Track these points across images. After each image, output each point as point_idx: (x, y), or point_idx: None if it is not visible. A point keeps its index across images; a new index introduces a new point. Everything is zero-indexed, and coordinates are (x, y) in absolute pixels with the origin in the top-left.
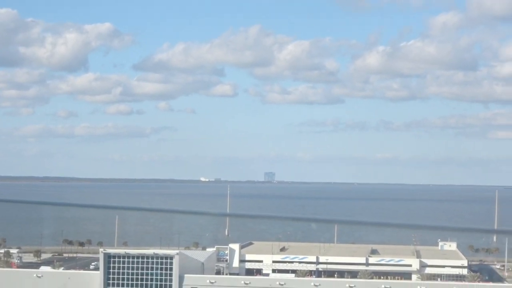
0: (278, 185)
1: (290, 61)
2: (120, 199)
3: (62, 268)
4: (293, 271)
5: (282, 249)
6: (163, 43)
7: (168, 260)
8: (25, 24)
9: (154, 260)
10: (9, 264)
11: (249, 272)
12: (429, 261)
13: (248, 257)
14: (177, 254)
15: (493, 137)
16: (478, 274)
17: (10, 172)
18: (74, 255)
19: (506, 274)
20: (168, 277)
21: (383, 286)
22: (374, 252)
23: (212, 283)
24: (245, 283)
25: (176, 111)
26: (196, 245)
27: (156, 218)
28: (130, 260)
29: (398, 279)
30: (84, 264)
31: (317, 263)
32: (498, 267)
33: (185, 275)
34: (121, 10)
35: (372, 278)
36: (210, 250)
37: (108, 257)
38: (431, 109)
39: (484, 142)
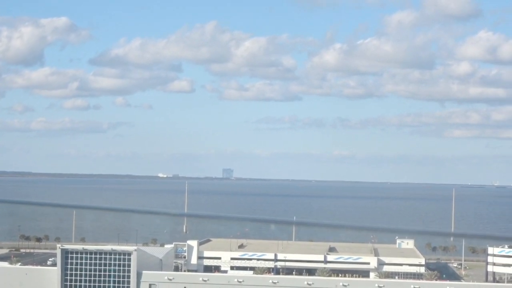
0: (236, 181)
1: (247, 58)
2: (77, 195)
3: (19, 263)
4: (252, 268)
5: (241, 246)
6: (119, 38)
7: (126, 256)
8: None
9: (112, 256)
10: None
11: (208, 269)
12: (387, 259)
13: (206, 254)
14: (135, 250)
15: (449, 136)
16: (435, 272)
17: None
18: (31, 250)
19: (463, 272)
20: (126, 274)
21: (341, 283)
22: (332, 250)
23: (170, 279)
24: (203, 280)
25: (133, 107)
26: (154, 241)
27: (114, 215)
28: (88, 256)
29: (356, 276)
30: (41, 260)
31: (275, 260)
32: (455, 265)
33: (143, 271)
34: (78, 4)
35: (330, 275)
36: (168, 246)
37: (65, 252)
38: (387, 107)
39: (440, 141)
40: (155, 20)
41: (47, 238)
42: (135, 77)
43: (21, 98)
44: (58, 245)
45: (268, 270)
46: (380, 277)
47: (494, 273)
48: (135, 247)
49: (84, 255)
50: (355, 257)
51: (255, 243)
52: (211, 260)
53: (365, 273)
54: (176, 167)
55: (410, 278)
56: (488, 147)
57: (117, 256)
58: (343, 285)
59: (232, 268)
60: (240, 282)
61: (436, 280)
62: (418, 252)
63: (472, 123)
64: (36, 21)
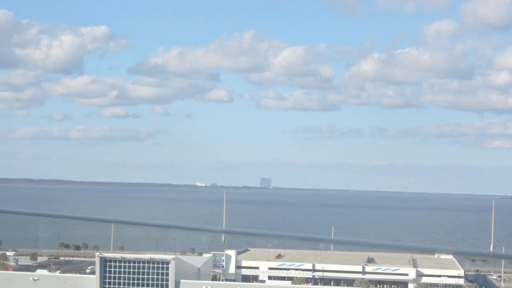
0: (274, 191)
1: (285, 67)
2: (116, 203)
3: (59, 271)
4: (289, 278)
5: (278, 256)
6: (158, 46)
7: (165, 265)
8: (21, 26)
9: (151, 265)
10: (5, 267)
11: (245, 278)
12: (425, 270)
13: (244, 263)
14: (173, 259)
15: (488, 146)
16: (474, 284)
17: (5, 174)
18: (70, 258)
19: (503, 284)
20: (164, 282)
21: None
22: (370, 260)
23: None
24: None
25: (172, 115)
26: (192, 250)
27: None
28: (126, 264)
29: None
30: (80, 268)
31: (314, 270)
32: (494, 277)
33: (181, 280)
34: (117, 13)
35: (368, 286)
36: (207, 256)
37: (104, 261)
38: (426, 117)
39: (479, 151)
40: (194, 29)
41: (86, 246)
42: (173, 86)
43: (61, 107)
44: (97, 253)
45: (306, 281)
46: None
47: None
48: (173, 256)
49: (122, 264)
50: (393, 268)
51: (293, 253)
52: (249, 270)
53: (403, 284)
54: (214, 176)
55: None
56: None
57: (155, 265)
58: None
59: (270, 278)
60: None
61: None
62: (457, 263)
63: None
64: (75, 30)
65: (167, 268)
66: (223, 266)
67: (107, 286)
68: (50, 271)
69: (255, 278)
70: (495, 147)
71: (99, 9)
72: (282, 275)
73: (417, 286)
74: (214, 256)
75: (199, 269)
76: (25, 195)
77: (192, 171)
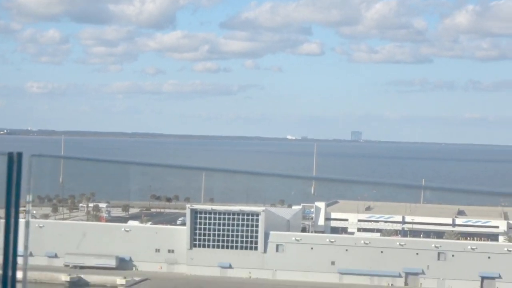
0: (364, 144)
1: (377, 20)
2: (207, 156)
3: (150, 222)
4: (378, 230)
5: (368, 208)
6: (250, 1)
7: (254, 217)
8: None
9: (240, 217)
10: (98, 218)
11: (335, 230)
12: None
13: (333, 215)
14: (263, 211)
15: None
16: None
17: (98, 128)
18: (161, 210)
19: None
20: (254, 234)
21: (469, 247)
22: (461, 213)
23: (297, 240)
24: (330, 241)
25: (263, 69)
26: (282, 202)
27: (242, 176)
28: (216, 216)
29: (484, 240)
30: (171, 219)
31: (403, 222)
32: None
33: (271, 232)
34: None
35: (458, 239)
36: (296, 208)
37: (194, 212)
38: None
39: None
40: None
41: (177, 198)
42: (264, 40)
43: (153, 61)
44: (188, 205)
45: (396, 233)
46: (509, 241)
47: None
48: (263, 208)
49: (212, 215)
50: (483, 220)
51: (382, 205)
52: (338, 222)
53: (494, 237)
54: (304, 129)
55: None
56: None
57: (245, 217)
58: (471, 248)
59: (359, 230)
60: (366, 244)
61: None
62: None
63: None
64: None
65: (257, 220)
66: (312, 218)
67: (197, 237)
68: (141, 222)
69: (344, 230)
70: None
71: None
72: (371, 227)
73: (508, 238)
74: (304, 208)
75: (288, 221)
76: (118, 148)
77: (283, 124)
